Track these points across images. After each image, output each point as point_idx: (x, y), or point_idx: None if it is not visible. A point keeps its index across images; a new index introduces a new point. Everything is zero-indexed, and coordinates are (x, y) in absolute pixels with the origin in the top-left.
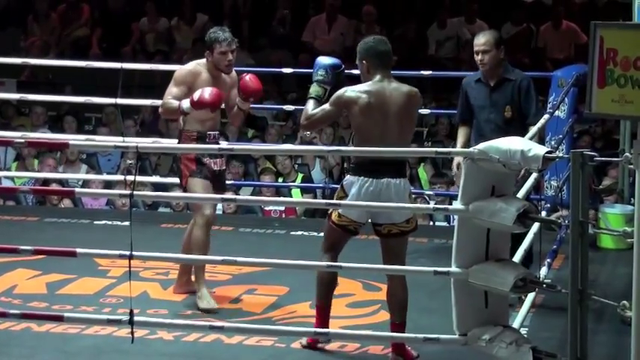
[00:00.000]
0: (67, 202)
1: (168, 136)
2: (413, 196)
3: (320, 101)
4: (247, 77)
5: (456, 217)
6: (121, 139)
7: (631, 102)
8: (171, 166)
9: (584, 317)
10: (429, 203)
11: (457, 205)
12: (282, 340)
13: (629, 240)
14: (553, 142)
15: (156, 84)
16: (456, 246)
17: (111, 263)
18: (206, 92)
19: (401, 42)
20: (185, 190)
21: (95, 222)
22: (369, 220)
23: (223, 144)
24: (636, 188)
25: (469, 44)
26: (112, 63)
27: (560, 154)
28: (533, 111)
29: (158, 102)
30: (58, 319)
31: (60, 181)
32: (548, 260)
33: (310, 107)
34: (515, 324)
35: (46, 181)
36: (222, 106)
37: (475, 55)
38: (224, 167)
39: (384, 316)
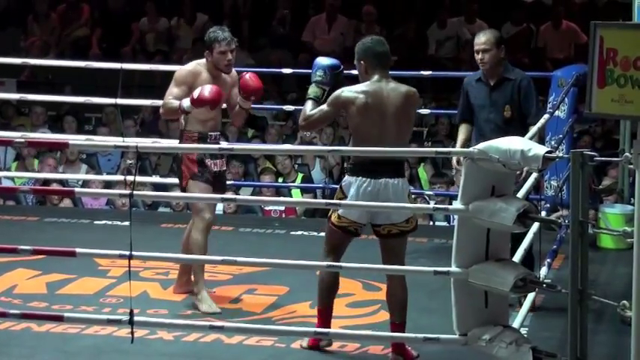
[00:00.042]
0: (67, 202)
1: (168, 136)
2: (413, 196)
3: (318, 102)
4: (247, 76)
5: (455, 217)
6: (121, 139)
7: (631, 102)
8: (171, 166)
9: (584, 317)
10: (429, 203)
11: (457, 205)
12: (282, 340)
13: (629, 240)
14: (553, 142)
15: (156, 84)
16: (456, 246)
17: (111, 263)
18: (206, 90)
19: (401, 42)
20: (184, 191)
21: (95, 222)
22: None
23: (223, 144)
24: (636, 188)
25: (469, 44)
26: (112, 63)
27: (560, 154)
28: (534, 111)
29: (158, 102)
30: (58, 319)
31: (60, 181)
32: (548, 260)
33: (308, 108)
34: (516, 324)
35: (46, 181)
36: (224, 105)
37: (475, 55)
38: (224, 168)
39: (384, 316)
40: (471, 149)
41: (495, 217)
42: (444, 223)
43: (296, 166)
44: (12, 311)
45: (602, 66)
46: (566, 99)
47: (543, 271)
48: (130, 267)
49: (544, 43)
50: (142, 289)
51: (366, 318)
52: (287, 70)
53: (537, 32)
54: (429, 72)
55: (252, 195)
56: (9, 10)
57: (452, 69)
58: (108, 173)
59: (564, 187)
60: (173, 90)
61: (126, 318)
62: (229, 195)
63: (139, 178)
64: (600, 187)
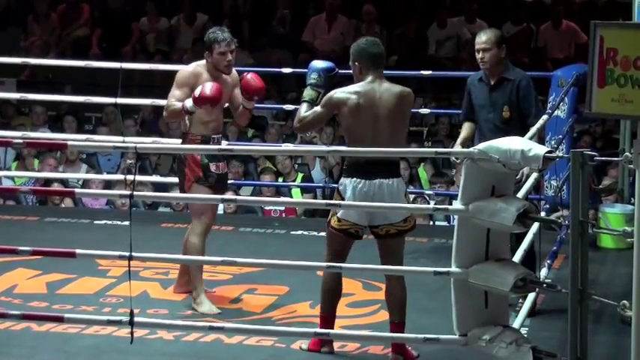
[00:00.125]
0: (67, 202)
1: (169, 135)
2: (413, 195)
3: (313, 104)
4: (249, 76)
5: (456, 216)
6: (121, 138)
7: (631, 101)
8: (172, 165)
9: (584, 317)
10: (429, 203)
11: (457, 205)
12: (282, 340)
13: (629, 240)
14: (553, 142)
15: (156, 84)
16: (456, 246)
17: (111, 263)
18: (207, 87)
19: (401, 42)
20: (185, 192)
21: (95, 222)
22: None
23: (223, 144)
24: (636, 188)
25: (469, 44)
26: (112, 63)
27: (560, 154)
28: (533, 111)
29: (158, 101)
30: (58, 319)
31: (62, 181)
32: (549, 261)
33: (303, 110)
34: (516, 324)
35: (47, 181)
36: (226, 105)
37: (476, 54)
38: (226, 170)
39: (384, 315)
40: (471, 149)
41: (495, 217)
42: (444, 223)
43: (296, 165)
44: (12, 311)
45: (602, 66)
46: (566, 99)
47: (543, 271)
48: (130, 267)
49: (544, 43)
50: (142, 289)
51: (366, 318)
52: (287, 70)
53: (537, 32)
54: (429, 72)
55: (252, 194)
56: (9, 10)
57: (452, 69)
58: (108, 173)
59: (564, 187)
60: (175, 92)
61: (126, 318)
62: (229, 195)
63: (139, 178)
64: (600, 187)
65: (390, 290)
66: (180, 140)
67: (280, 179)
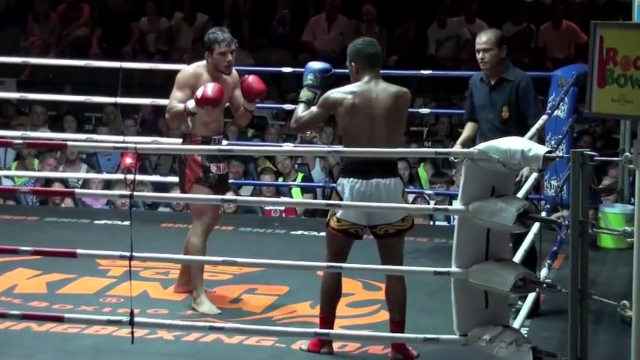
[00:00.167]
0: (68, 202)
1: (169, 135)
2: (412, 195)
3: (310, 105)
4: (250, 79)
5: (456, 216)
6: (121, 138)
7: (631, 101)
8: (172, 165)
9: (584, 317)
10: (429, 203)
11: (457, 205)
12: (282, 340)
13: (629, 239)
14: (553, 142)
15: (156, 83)
16: (456, 246)
17: (111, 263)
18: (208, 88)
19: (401, 42)
20: (185, 193)
21: (95, 222)
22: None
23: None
24: (636, 188)
25: (469, 44)
26: (112, 62)
27: (560, 154)
28: (533, 112)
29: (158, 101)
30: (59, 319)
31: (62, 181)
32: (549, 261)
33: (300, 111)
34: (516, 324)
35: (48, 181)
36: (227, 104)
37: (477, 54)
38: (227, 170)
39: (384, 315)
40: (471, 149)
41: (495, 217)
42: (444, 223)
43: (296, 165)
44: (12, 311)
45: (602, 66)
46: (566, 99)
47: (544, 272)
48: (130, 267)
49: (544, 43)
50: (142, 289)
51: (366, 318)
52: (287, 70)
53: (537, 32)
54: (429, 72)
55: (252, 194)
56: (9, 10)
57: (452, 69)
58: (108, 172)
59: (564, 187)
60: (177, 94)
61: (126, 318)
62: (229, 195)
63: (139, 178)
64: (600, 186)
65: (391, 289)
66: (180, 140)
67: (280, 179)
